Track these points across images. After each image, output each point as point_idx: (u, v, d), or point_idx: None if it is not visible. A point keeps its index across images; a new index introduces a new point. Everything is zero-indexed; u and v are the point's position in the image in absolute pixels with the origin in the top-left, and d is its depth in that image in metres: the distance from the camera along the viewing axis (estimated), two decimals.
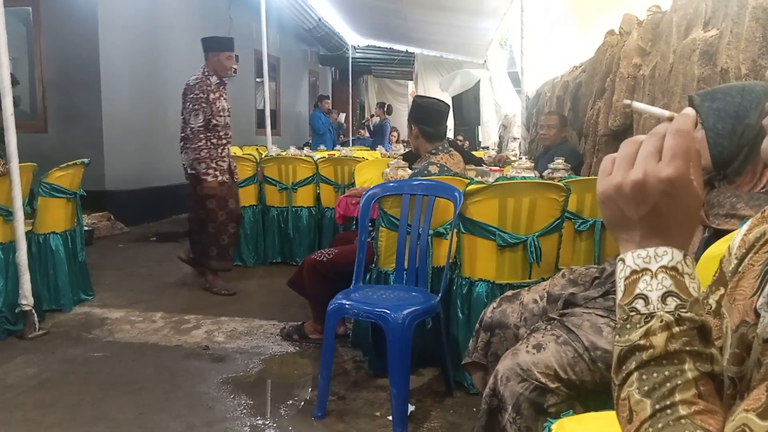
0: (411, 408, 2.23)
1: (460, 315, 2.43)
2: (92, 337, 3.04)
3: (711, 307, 0.78)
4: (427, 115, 2.69)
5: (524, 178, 2.45)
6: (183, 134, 3.79)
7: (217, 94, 3.82)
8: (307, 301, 2.99)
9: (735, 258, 0.76)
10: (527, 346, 1.48)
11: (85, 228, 4.56)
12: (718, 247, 1.27)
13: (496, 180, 2.36)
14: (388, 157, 6.62)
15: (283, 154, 5.20)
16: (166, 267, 4.61)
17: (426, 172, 2.55)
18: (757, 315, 0.64)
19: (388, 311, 2.06)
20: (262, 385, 2.52)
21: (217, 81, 3.86)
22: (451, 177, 2.51)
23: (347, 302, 2.19)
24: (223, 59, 3.82)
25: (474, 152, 5.66)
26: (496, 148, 7.49)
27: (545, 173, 3.18)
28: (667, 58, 2.74)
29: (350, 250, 2.70)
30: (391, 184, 2.48)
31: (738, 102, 1.35)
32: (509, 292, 1.85)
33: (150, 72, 6.84)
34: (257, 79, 9.39)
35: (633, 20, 3.31)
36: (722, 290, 0.77)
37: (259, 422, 2.18)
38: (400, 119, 11.96)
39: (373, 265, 2.60)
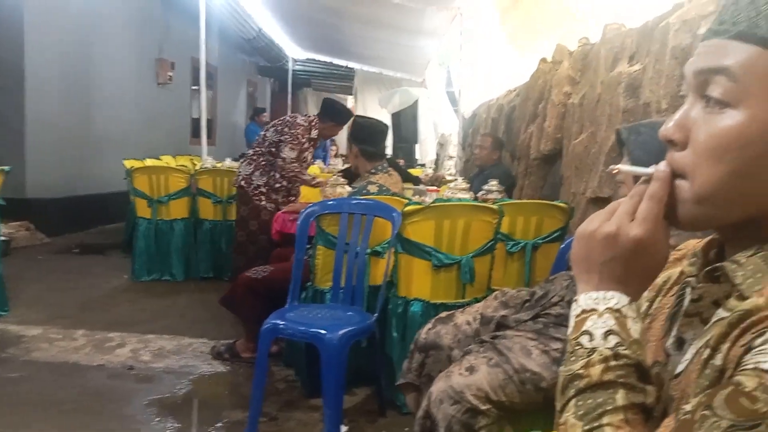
0: (344, 428, 2.22)
1: (395, 334, 2.45)
2: (7, 356, 2.86)
3: None
4: (367, 134, 2.71)
5: (460, 200, 2.51)
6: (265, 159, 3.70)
7: (308, 146, 3.75)
8: (240, 319, 2.92)
9: (646, 300, 0.80)
10: (460, 369, 1.51)
11: (2, 238, 4.30)
12: None
13: (433, 201, 2.40)
14: (327, 172, 6.62)
15: (219, 165, 5.09)
16: (89, 280, 4.41)
17: (365, 191, 2.57)
18: (668, 355, 0.69)
19: (323, 331, 2.05)
20: (191, 407, 2.45)
21: (315, 136, 3.77)
22: (390, 197, 2.54)
23: (281, 322, 2.16)
24: (336, 130, 3.80)
25: (411, 170, 5.74)
26: (434, 165, 7.62)
27: (479, 194, 3.26)
28: (595, 89, 2.88)
29: (286, 268, 2.67)
30: (330, 203, 2.48)
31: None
32: (443, 314, 1.87)
33: (80, 77, 6.57)
34: (193, 87, 9.18)
35: (564, 50, 3.47)
36: None
37: None
38: (340, 134, 12.01)
39: (309, 283, 2.58)
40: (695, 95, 0.62)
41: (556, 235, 2.60)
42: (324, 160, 8.62)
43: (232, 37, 9.95)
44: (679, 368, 0.63)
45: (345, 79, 11.84)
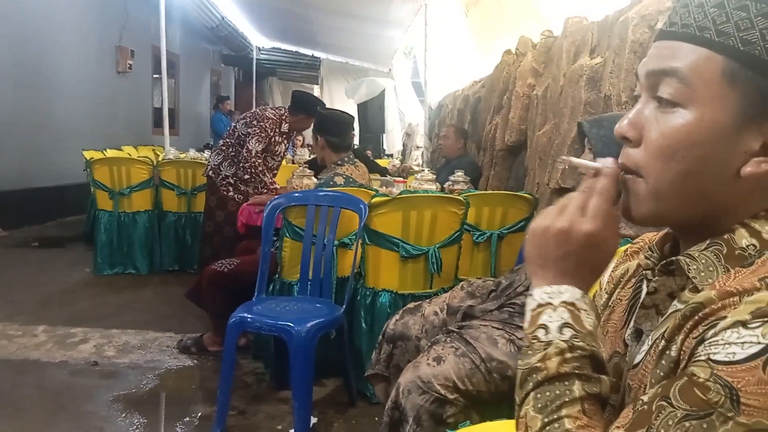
0: (313, 420, 2.23)
1: (364, 325, 2.46)
2: None
3: None
4: (332, 126, 2.70)
5: (426, 191, 2.53)
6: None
7: (279, 140, 3.67)
8: (206, 312, 2.89)
9: (605, 293, 0.83)
10: (428, 359, 1.53)
11: None
12: None
13: (400, 193, 2.42)
14: (294, 163, 6.57)
15: (182, 156, 5.01)
16: (49, 275, 4.29)
17: (332, 183, 2.57)
18: (626, 345, 0.72)
19: (291, 324, 2.05)
20: (157, 402, 2.42)
21: (285, 131, 3.68)
22: (357, 188, 2.54)
23: (249, 315, 2.15)
24: (308, 122, 3.63)
25: (378, 160, 5.75)
26: (401, 156, 7.63)
27: (446, 185, 3.29)
28: (558, 81, 2.93)
29: (252, 261, 2.65)
30: (297, 194, 2.47)
31: None
32: (411, 305, 1.89)
33: (36, 66, 6.35)
34: (155, 76, 8.97)
35: (528, 43, 3.51)
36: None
37: None
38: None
39: (277, 275, 2.57)
40: (648, 95, 0.64)
41: (521, 225, 2.64)
42: (289, 150, 8.54)
43: (195, 25, 9.76)
44: (637, 359, 0.66)
45: (311, 68, 11.74)
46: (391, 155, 8.08)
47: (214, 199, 3.70)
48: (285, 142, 3.74)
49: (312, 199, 2.42)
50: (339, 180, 2.58)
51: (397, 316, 1.86)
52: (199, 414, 2.31)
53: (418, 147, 8.37)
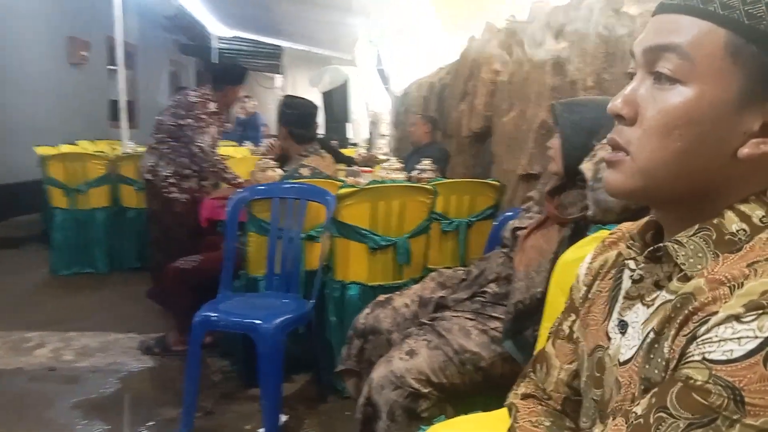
0: (284, 418, 2.17)
1: (333, 318, 2.41)
2: None
3: (565, 333, 0.82)
4: (295, 116, 2.63)
5: (394, 181, 2.48)
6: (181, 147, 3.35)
7: (210, 121, 3.37)
8: (170, 311, 2.80)
9: (583, 285, 0.80)
10: (400, 353, 1.49)
11: None
12: (573, 253, 1.35)
13: (368, 183, 2.36)
14: (261, 154, 6.44)
15: (141, 150, 4.85)
16: (3, 277, 4.12)
17: (297, 174, 2.50)
18: (609, 338, 0.68)
19: (258, 321, 1.98)
20: (121, 406, 2.33)
21: (214, 110, 3.41)
22: (323, 180, 2.47)
23: (213, 314, 2.07)
24: (235, 92, 3.42)
25: (344, 150, 5.67)
26: (367, 145, 7.57)
27: (413, 174, 3.25)
28: (523, 66, 2.90)
29: (216, 257, 2.57)
30: (261, 187, 2.39)
31: (593, 117, 1.45)
32: (381, 297, 1.85)
33: None
34: (110, 67, 8.66)
35: (493, 28, 3.48)
36: (573, 316, 0.81)
37: None
38: (268, 114, 11.68)
39: (242, 271, 2.50)
40: (644, 71, 0.61)
41: (489, 212, 2.62)
42: (255, 141, 8.38)
43: (152, 14, 9.45)
44: (627, 354, 0.62)
45: (273, 57, 11.53)
46: (356, 144, 8.00)
47: (156, 202, 3.40)
48: (218, 124, 3.44)
49: (277, 191, 2.35)
50: (304, 171, 2.51)
51: (367, 310, 1.81)
52: (165, 417, 2.23)
53: (383, 135, 8.31)
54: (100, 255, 4.23)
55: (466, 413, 1.46)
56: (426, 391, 1.44)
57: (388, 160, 3.27)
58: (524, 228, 1.57)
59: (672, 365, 0.53)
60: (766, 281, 0.48)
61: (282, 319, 2.03)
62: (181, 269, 2.55)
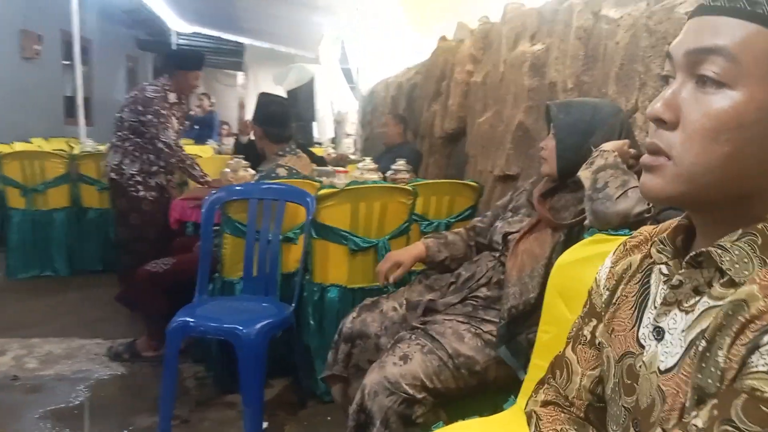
0: (264, 425, 2.12)
1: (312, 322, 2.37)
2: None
3: (587, 338, 0.81)
4: (270, 115, 2.56)
5: (375, 182, 2.46)
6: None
7: (168, 112, 3.23)
8: (140, 315, 2.70)
9: (606, 290, 0.79)
10: (394, 358, 1.47)
11: None
12: (570, 255, 1.35)
13: (349, 184, 2.33)
14: (219, 153, 6.31)
15: (101, 149, 4.68)
16: None
17: (274, 174, 2.44)
18: (642, 345, 0.67)
19: (238, 327, 1.93)
20: (91, 416, 2.23)
21: (175, 100, 3.27)
22: (301, 180, 2.43)
23: (191, 319, 2.01)
24: (192, 77, 3.26)
25: (310, 149, 5.60)
26: (332, 144, 7.51)
27: (388, 174, 3.23)
28: (498, 67, 2.92)
29: (189, 260, 2.49)
30: (238, 188, 2.33)
31: (588, 120, 1.46)
32: (368, 301, 1.82)
33: None
34: (64, 62, 8.35)
35: (466, 28, 3.49)
36: (595, 321, 0.80)
37: None
38: (230, 112, 11.49)
39: (217, 274, 2.43)
40: (685, 74, 0.60)
41: (467, 213, 2.62)
42: (212, 137, 8.20)
43: (109, 8, 9.16)
44: (671, 361, 0.61)
45: (234, 54, 11.31)
46: (321, 144, 7.92)
47: (123, 201, 3.27)
48: (179, 114, 3.34)
49: (255, 192, 2.29)
50: (281, 172, 2.46)
51: (354, 314, 1.78)
52: (139, 426, 2.15)
53: (348, 135, 8.26)
54: (60, 257, 4.07)
55: (459, 417, 1.46)
56: (421, 396, 1.42)
57: (363, 160, 3.23)
58: (515, 232, 1.57)
59: (730, 375, 0.52)
60: None
61: (263, 324, 1.98)
62: (153, 272, 2.46)
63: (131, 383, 2.51)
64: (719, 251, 0.59)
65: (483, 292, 1.60)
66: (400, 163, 3.22)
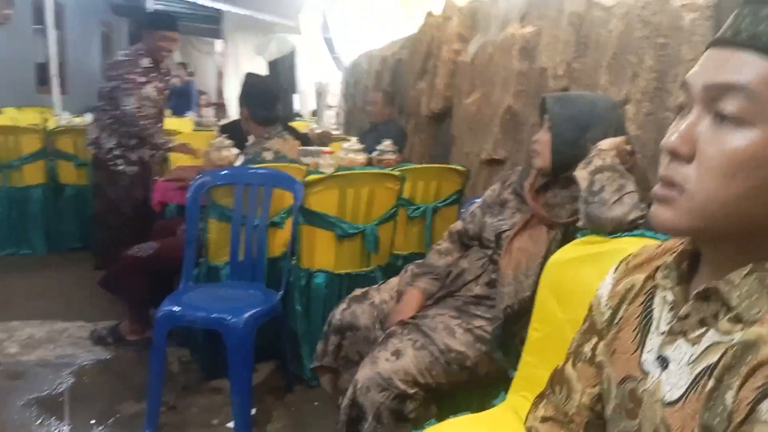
0: (252, 411, 2.13)
1: (299, 307, 2.36)
2: None
3: (587, 356, 0.81)
4: (256, 96, 2.50)
5: (363, 168, 2.44)
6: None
7: (145, 79, 3.13)
8: (124, 300, 2.67)
9: (608, 308, 0.79)
10: (386, 354, 1.47)
11: None
12: (562, 254, 1.36)
13: (336, 170, 2.30)
14: (199, 125, 6.18)
15: (77, 121, 4.57)
16: None
17: (260, 158, 2.40)
18: (645, 372, 0.68)
19: (226, 317, 1.91)
20: (77, 403, 2.19)
21: (149, 65, 3.15)
22: (288, 164, 2.39)
23: (178, 308, 1.99)
24: (166, 38, 3.12)
25: (291, 123, 5.51)
26: (314, 117, 7.42)
27: (374, 155, 3.20)
28: (487, 48, 2.88)
29: (173, 245, 2.46)
30: (224, 173, 2.28)
31: (586, 114, 1.44)
32: (357, 292, 1.82)
33: None
34: (35, 26, 8.05)
35: (454, 6, 3.43)
36: (595, 339, 0.80)
37: None
38: (208, 81, 11.24)
39: (202, 258, 2.40)
40: (702, 108, 0.59)
41: (454, 197, 2.62)
42: (190, 108, 8.03)
43: None
44: (676, 393, 0.62)
45: (212, 21, 10.98)
46: (301, 116, 7.82)
47: (101, 174, 3.26)
48: (156, 80, 3.22)
49: (242, 177, 2.25)
50: (268, 155, 2.42)
51: (343, 305, 1.78)
52: (126, 413, 2.14)
53: (330, 107, 8.16)
54: (37, 235, 3.99)
55: (450, 411, 1.48)
56: (412, 392, 1.43)
57: (348, 140, 3.20)
58: (509, 230, 1.56)
59: (738, 418, 0.52)
60: None
61: (251, 312, 1.97)
62: (137, 257, 2.42)
63: (116, 368, 2.49)
64: (728, 287, 0.59)
65: (473, 290, 1.60)
66: (386, 144, 3.20)
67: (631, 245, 1.23)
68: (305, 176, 2.38)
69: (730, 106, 0.56)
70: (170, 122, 4.76)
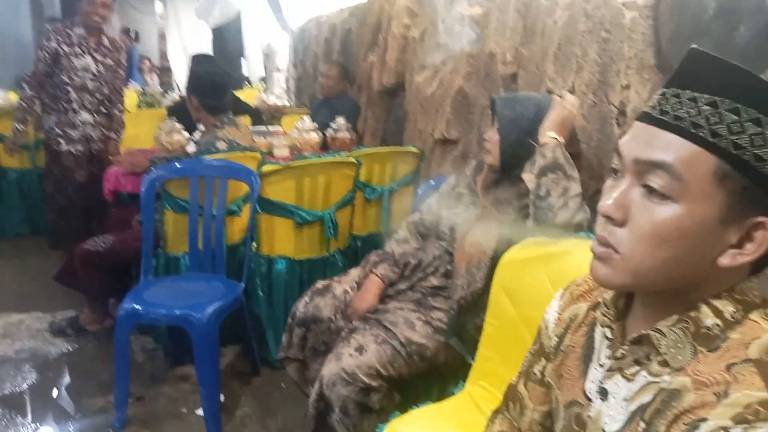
0: (221, 398, 2.19)
1: (261, 293, 2.41)
2: None
3: (537, 377, 0.90)
4: (205, 86, 2.46)
5: (319, 156, 2.46)
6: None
7: (76, 49, 2.96)
8: (81, 293, 2.65)
9: (555, 336, 0.87)
10: (350, 349, 1.54)
11: None
12: (513, 254, 1.44)
13: (294, 159, 2.32)
14: (144, 94, 5.98)
15: (14, 99, 4.35)
16: None
17: (213, 149, 2.38)
18: (588, 398, 0.76)
19: (191, 313, 1.94)
20: (42, 401, 2.21)
21: (83, 34, 2.97)
22: (243, 154, 2.39)
23: (139, 306, 1.99)
24: (84, 4, 2.95)
25: (240, 93, 5.40)
26: (264, 84, 7.26)
27: (328, 133, 3.21)
28: (436, 26, 2.89)
29: (130, 237, 2.45)
30: (178, 166, 2.27)
31: (531, 117, 1.51)
32: (319, 285, 1.88)
33: None
34: None
35: None
36: (544, 361, 0.89)
37: None
38: (150, 43, 10.76)
39: (160, 249, 2.40)
40: (633, 178, 0.66)
41: (409, 178, 2.68)
42: (132, 76, 7.74)
43: None
44: (614, 426, 0.70)
45: None
46: (250, 82, 7.64)
47: (48, 154, 3.20)
48: (97, 54, 3.07)
49: (197, 170, 2.24)
50: (221, 145, 2.40)
51: (306, 299, 1.84)
52: (94, 407, 2.17)
53: (279, 69, 7.99)
54: None
55: (412, 398, 1.58)
56: (376, 384, 1.52)
57: (302, 119, 3.19)
58: (462, 223, 1.63)
59: None
60: (748, 393, 0.57)
61: (215, 307, 2.00)
62: (93, 252, 2.40)
63: (79, 361, 2.49)
64: (658, 335, 0.67)
65: (431, 281, 1.68)
66: (340, 122, 3.21)
67: (576, 246, 1.32)
68: (260, 163, 2.39)
69: (657, 181, 0.63)
70: None
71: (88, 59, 3.07)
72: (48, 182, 3.29)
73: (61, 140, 3.13)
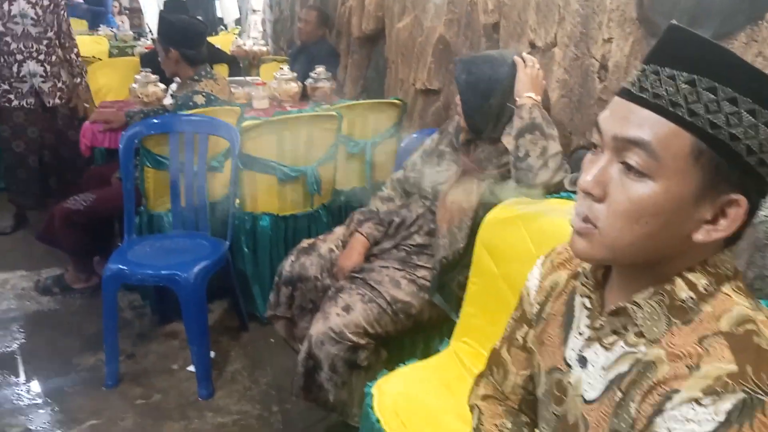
0: (211, 354, 2.23)
1: (246, 249, 2.42)
2: None
3: (519, 343, 0.93)
4: (184, 36, 2.37)
5: (300, 111, 2.42)
6: None
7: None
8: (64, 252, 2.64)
9: (536, 303, 0.90)
10: (337, 309, 1.57)
11: None
12: (496, 213, 1.46)
13: (275, 114, 2.28)
14: (117, 39, 5.77)
15: None
16: None
17: (191, 103, 2.33)
18: (569, 364, 0.79)
19: (177, 273, 1.95)
20: (33, 360, 2.23)
21: None
22: (222, 108, 2.34)
23: (125, 267, 2.00)
24: None
25: (215, 38, 5.23)
26: (239, 27, 7.03)
27: (308, 83, 3.15)
28: None
29: (111, 195, 2.43)
30: (156, 121, 2.22)
31: (488, 78, 1.50)
32: (304, 243, 1.89)
33: None
34: None
35: None
36: (526, 328, 0.92)
37: (41, 410, 1.97)
38: None
39: (142, 207, 2.38)
40: (612, 154, 0.66)
41: (392, 131, 2.66)
42: (107, 21, 7.44)
43: None
44: (593, 394, 0.73)
45: None
46: (225, 25, 7.39)
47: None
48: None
49: (175, 125, 2.20)
50: (199, 99, 2.35)
51: (292, 258, 1.85)
52: (85, 365, 2.20)
53: (255, 11, 7.73)
54: None
55: (398, 356, 1.62)
56: (364, 342, 1.56)
57: (281, 69, 3.11)
58: (444, 182, 1.64)
59: (639, 426, 0.65)
60: (718, 366, 0.60)
61: (201, 266, 2.01)
62: (72, 210, 2.37)
63: (67, 320, 2.50)
64: (634, 308, 0.70)
65: (415, 239, 1.70)
66: (320, 71, 3.14)
67: (556, 206, 1.34)
68: (240, 116, 2.35)
69: (634, 158, 0.64)
70: (84, 43, 4.43)
71: (23, 3, 2.84)
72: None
73: (11, 96, 2.92)
